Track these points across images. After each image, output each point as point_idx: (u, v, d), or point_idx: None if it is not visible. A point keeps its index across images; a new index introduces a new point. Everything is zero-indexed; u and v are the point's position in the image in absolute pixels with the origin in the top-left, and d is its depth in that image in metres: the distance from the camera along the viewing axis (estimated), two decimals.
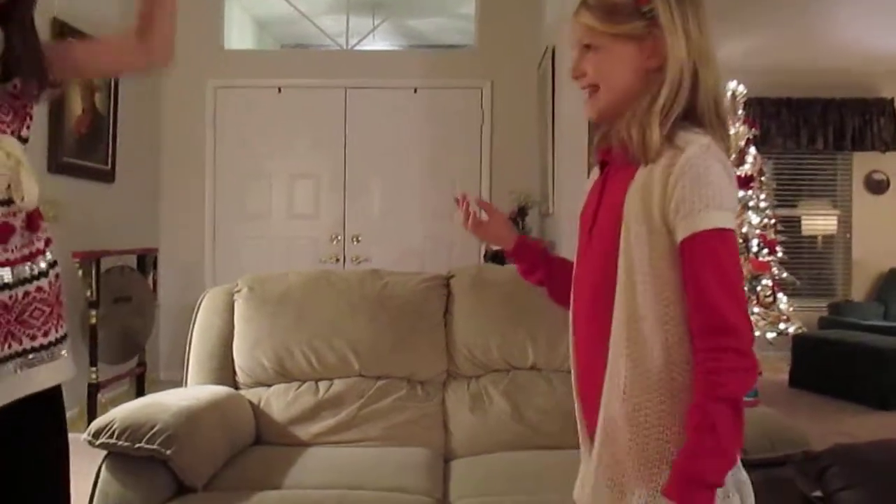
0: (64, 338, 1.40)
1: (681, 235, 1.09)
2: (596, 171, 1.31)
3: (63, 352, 1.39)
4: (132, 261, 4.57)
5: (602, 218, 1.21)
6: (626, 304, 1.12)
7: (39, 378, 1.33)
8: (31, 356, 1.32)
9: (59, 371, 1.37)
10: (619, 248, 1.14)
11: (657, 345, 1.11)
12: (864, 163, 6.79)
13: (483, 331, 2.52)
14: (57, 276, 1.41)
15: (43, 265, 1.37)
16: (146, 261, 4.62)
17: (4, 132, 1.28)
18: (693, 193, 1.08)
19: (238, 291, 2.62)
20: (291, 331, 2.51)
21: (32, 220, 1.37)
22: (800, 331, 5.13)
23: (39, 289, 1.35)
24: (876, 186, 6.77)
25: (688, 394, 1.10)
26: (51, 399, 1.37)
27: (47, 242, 1.41)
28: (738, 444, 1.08)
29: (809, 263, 6.82)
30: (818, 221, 6.89)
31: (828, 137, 6.71)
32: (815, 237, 6.93)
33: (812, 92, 6.66)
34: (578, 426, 1.28)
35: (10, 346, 1.29)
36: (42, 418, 1.36)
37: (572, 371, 1.28)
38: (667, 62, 1.15)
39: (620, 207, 1.15)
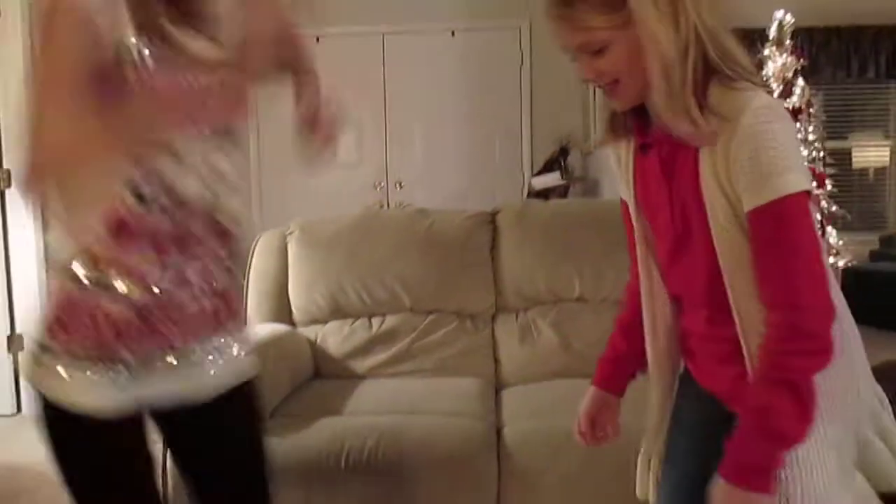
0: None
1: (747, 207, 1.04)
2: (626, 155, 1.24)
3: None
4: None
5: (685, 209, 1.13)
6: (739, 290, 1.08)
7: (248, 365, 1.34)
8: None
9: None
10: (713, 240, 1.09)
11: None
12: None
13: (529, 265, 2.57)
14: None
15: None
16: None
17: None
18: (756, 162, 1.02)
19: (290, 234, 2.71)
20: (344, 270, 2.60)
21: None
22: (850, 264, 5.07)
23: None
24: None
25: None
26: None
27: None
28: (800, 426, 1.03)
29: (860, 196, 6.68)
30: (870, 153, 6.71)
31: (880, 66, 6.48)
32: (866, 170, 6.77)
33: (863, 19, 6.41)
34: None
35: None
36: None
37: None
38: (679, 33, 1.04)
39: (698, 194, 1.09)
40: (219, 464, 1.33)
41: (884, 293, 5.22)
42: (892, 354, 4.61)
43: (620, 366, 1.38)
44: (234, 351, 1.27)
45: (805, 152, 5.09)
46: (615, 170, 1.30)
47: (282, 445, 1.94)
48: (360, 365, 2.51)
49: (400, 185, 5.40)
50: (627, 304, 1.38)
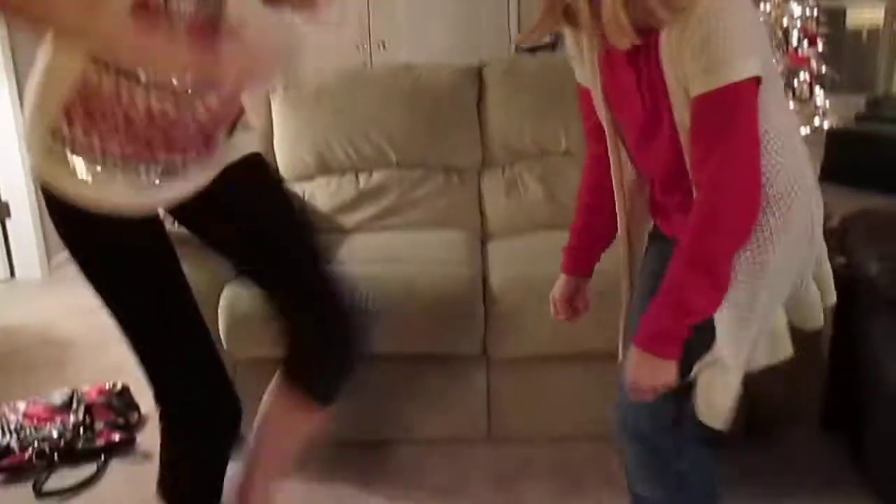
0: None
1: (693, 93, 1.08)
2: (589, 38, 1.24)
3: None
4: None
5: (653, 95, 1.17)
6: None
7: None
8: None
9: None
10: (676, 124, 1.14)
11: None
12: None
13: (516, 119, 2.57)
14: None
15: None
16: None
17: None
18: (704, 50, 1.05)
19: (273, 91, 2.66)
20: (329, 126, 2.58)
21: None
22: (835, 125, 5.07)
23: None
24: None
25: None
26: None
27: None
28: (710, 301, 1.13)
29: (853, 59, 6.58)
30: (864, 13, 6.56)
31: None
32: (859, 31, 6.64)
33: None
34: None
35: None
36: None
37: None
38: None
39: (662, 81, 1.13)
40: (253, 218, 1.37)
41: (867, 154, 5.26)
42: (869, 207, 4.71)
43: (584, 252, 1.48)
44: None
45: (798, 10, 4.96)
46: (573, 55, 1.31)
47: None
48: (348, 220, 2.54)
49: (383, 45, 5.25)
50: (585, 185, 1.45)
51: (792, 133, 1.19)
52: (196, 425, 1.38)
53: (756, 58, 1.07)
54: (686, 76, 1.09)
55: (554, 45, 3.70)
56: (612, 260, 1.43)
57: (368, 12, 5.23)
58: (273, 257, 1.36)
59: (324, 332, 1.36)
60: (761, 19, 1.14)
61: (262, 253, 1.36)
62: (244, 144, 1.38)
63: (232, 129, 1.34)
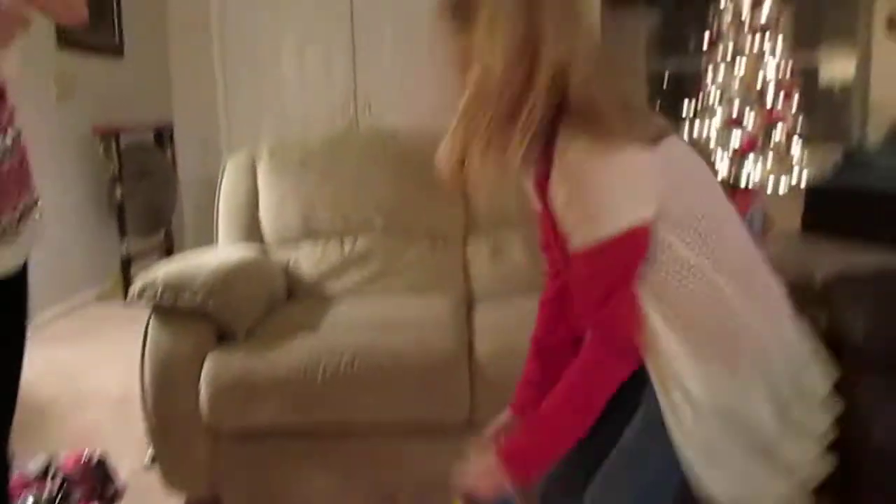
0: (35, 203, 1.30)
1: (571, 248, 1.09)
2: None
3: (35, 216, 1.29)
4: (149, 138, 4.62)
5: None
6: None
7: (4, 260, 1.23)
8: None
9: (22, 248, 1.26)
10: None
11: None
12: (885, 4, 6.55)
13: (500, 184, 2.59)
14: (21, 147, 1.26)
15: (9, 142, 1.22)
16: (163, 136, 4.66)
17: None
18: (570, 207, 1.06)
19: (260, 156, 2.69)
20: (315, 191, 2.60)
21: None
22: (814, 176, 5.16)
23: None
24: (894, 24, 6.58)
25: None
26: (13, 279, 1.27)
27: (11, 115, 1.24)
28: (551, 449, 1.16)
29: (827, 113, 6.75)
30: (836, 67, 6.76)
31: None
32: (832, 87, 6.82)
33: None
34: None
35: None
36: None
37: None
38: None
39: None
40: None
41: (846, 204, 5.33)
42: (850, 260, 4.76)
43: (537, 390, 1.36)
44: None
45: (773, 68, 5.09)
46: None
47: (259, 364, 1.99)
48: (334, 286, 2.54)
49: (369, 108, 5.33)
50: (539, 322, 1.44)
51: (746, 273, 1.14)
52: None
53: (629, 207, 1.04)
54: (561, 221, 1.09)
55: None
56: None
57: (354, 74, 5.32)
58: None
59: None
60: (652, 162, 1.09)
61: None
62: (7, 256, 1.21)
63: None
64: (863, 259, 4.68)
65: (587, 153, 1.02)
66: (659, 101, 6.48)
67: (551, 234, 1.22)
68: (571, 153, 1.03)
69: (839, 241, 5.31)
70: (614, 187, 1.03)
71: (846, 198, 5.43)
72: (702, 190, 1.14)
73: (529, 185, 1.22)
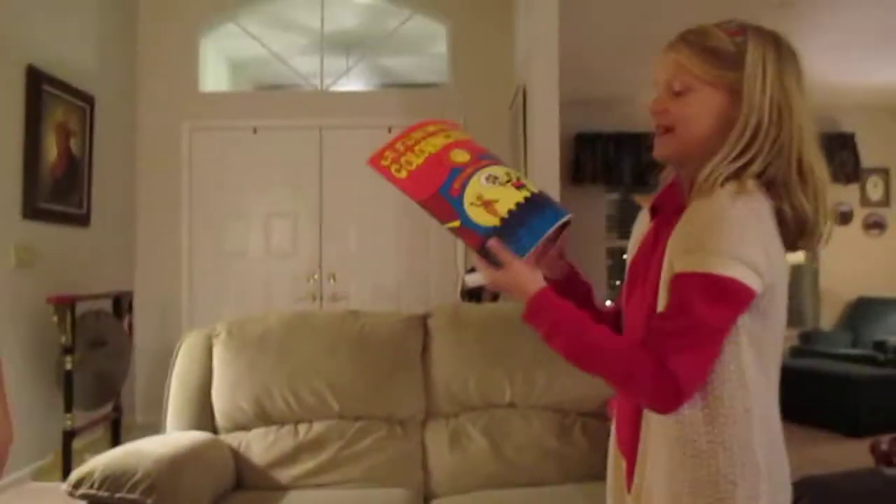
0: None
1: (675, 270, 1.06)
2: (646, 216, 1.27)
3: None
4: (107, 305, 4.55)
5: (655, 267, 1.15)
6: None
7: None
8: None
9: None
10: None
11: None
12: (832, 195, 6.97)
13: (461, 369, 2.56)
14: None
15: None
16: (121, 304, 4.60)
17: None
18: (696, 234, 1.04)
19: (217, 335, 2.63)
20: (270, 373, 2.53)
21: None
22: None
23: None
24: (841, 218, 6.96)
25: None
26: None
27: None
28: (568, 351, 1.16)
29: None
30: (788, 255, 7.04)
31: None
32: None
33: None
34: (611, 468, 1.31)
35: None
36: None
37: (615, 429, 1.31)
38: (747, 114, 1.09)
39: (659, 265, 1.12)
40: None
41: (804, 389, 5.37)
42: (811, 449, 4.73)
43: (598, 314, 1.34)
44: None
45: None
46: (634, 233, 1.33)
47: None
48: (285, 475, 2.42)
49: (334, 277, 5.37)
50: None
51: (770, 410, 1.16)
52: None
53: (742, 265, 1.03)
54: (673, 252, 1.08)
55: (496, 296, 3.81)
56: None
57: (320, 246, 5.40)
58: None
59: None
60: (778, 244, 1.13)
61: None
62: None
63: None
64: (825, 452, 4.65)
65: (737, 196, 1.06)
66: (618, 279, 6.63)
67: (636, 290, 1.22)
68: (724, 193, 1.05)
69: (801, 424, 5.30)
70: (739, 235, 1.03)
71: (804, 381, 5.48)
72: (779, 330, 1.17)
73: (641, 227, 1.27)
